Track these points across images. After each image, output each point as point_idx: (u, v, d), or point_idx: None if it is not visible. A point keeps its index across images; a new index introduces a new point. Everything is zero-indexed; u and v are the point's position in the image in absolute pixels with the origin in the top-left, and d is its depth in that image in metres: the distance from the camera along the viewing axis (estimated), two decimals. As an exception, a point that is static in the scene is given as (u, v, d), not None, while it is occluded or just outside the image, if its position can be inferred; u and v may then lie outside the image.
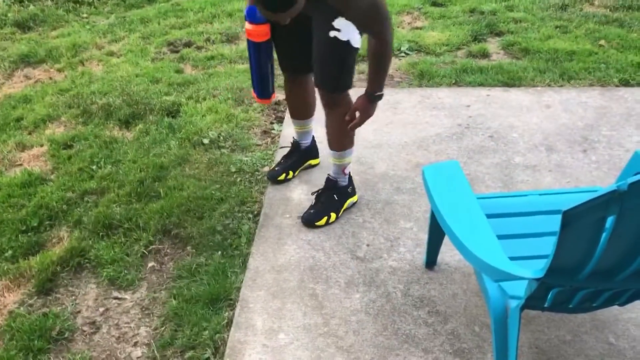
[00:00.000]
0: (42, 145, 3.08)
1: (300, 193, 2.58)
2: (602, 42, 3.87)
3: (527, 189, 2.54)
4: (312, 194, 2.49)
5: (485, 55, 3.81)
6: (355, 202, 2.50)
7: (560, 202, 1.29)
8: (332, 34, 2.08)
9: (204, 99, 3.39)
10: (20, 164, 2.95)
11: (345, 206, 2.46)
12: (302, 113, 2.62)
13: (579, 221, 1.14)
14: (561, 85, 3.41)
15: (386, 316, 1.96)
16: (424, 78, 3.53)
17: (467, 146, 2.86)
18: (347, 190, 2.48)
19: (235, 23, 4.57)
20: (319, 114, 2.47)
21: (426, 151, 2.83)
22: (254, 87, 2.46)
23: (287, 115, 3.15)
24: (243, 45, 4.18)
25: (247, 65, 3.82)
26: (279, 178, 2.65)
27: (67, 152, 2.97)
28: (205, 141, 2.96)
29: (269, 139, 3.01)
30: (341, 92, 2.27)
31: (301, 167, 2.73)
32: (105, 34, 4.54)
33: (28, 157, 3.00)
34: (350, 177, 2.49)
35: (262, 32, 2.24)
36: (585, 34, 3.99)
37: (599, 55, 3.69)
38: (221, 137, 2.99)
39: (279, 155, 2.82)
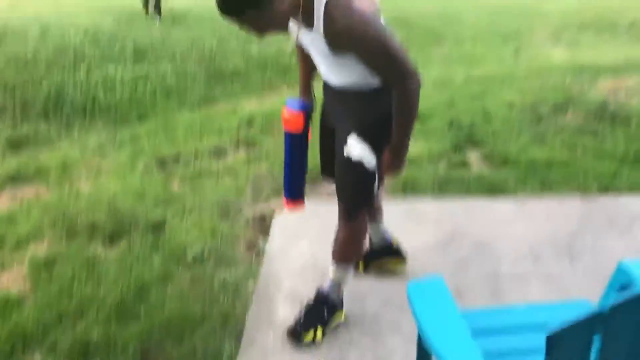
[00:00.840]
0: (22, 265, 3.02)
1: (286, 311, 2.51)
2: (579, 151, 3.99)
3: (514, 299, 2.50)
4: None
5: (466, 165, 3.90)
6: (343, 317, 2.44)
7: (548, 317, 1.26)
8: (346, 152, 2.12)
9: (190, 214, 3.40)
10: (-1, 286, 2.87)
11: (334, 322, 2.40)
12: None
13: (564, 343, 1.10)
14: (542, 194, 3.47)
15: None
16: (407, 189, 3.58)
17: (454, 257, 2.85)
18: (337, 305, 2.42)
19: (223, 139, 4.69)
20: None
21: (413, 263, 2.80)
22: (284, 186, 2.47)
23: (273, 230, 3.16)
24: (230, 160, 4.27)
25: (233, 182, 3.88)
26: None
27: (47, 272, 2.91)
28: (189, 257, 2.93)
29: (253, 254, 2.98)
30: (354, 209, 2.26)
31: (378, 264, 2.72)
32: (95, 151, 4.63)
33: (7, 278, 2.93)
34: (342, 293, 2.44)
35: (294, 121, 2.26)
36: (562, 144, 4.12)
37: (576, 164, 3.79)
38: (205, 253, 2.96)
39: (264, 269, 2.79)
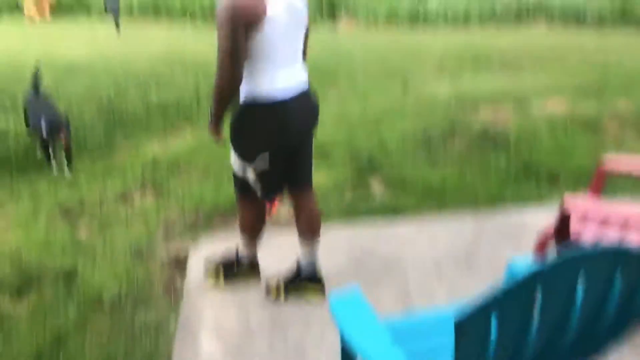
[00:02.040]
0: None
1: (211, 344, 2.56)
2: (467, 172, 4.38)
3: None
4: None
5: (369, 192, 4.14)
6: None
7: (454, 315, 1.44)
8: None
9: (102, 260, 3.34)
10: None
11: (240, 276, 3.00)
12: None
13: (468, 328, 1.29)
14: (440, 214, 3.77)
15: None
16: (317, 218, 3.74)
17: (365, 277, 3.03)
18: (244, 264, 3.01)
19: (128, 184, 4.64)
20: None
21: (329, 285, 2.93)
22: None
23: (190, 265, 3.20)
24: (138, 204, 4.24)
25: (144, 226, 3.86)
26: None
27: (-50, 333, 2.76)
28: (106, 303, 2.89)
29: (172, 294, 3.00)
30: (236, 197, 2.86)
31: (297, 289, 2.93)
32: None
33: None
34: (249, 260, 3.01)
35: None
36: (452, 167, 4.50)
37: (466, 184, 4.16)
38: (122, 297, 2.93)
39: (185, 306, 2.82)
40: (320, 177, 4.42)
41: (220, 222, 3.77)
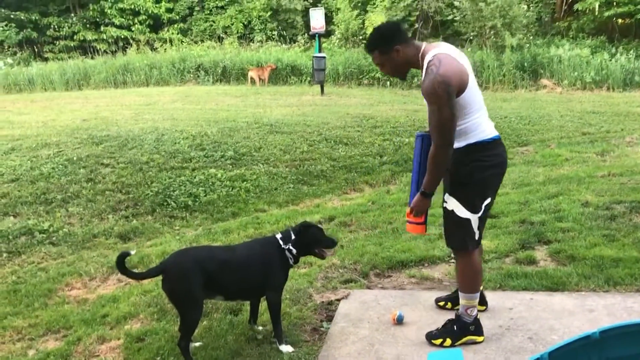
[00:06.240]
0: (119, 339, 3.46)
1: (339, 387, 2.71)
2: (651, 250, 3.96)
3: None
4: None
5: (531, 262, 3.98)
6: (480, 342, 2.96)
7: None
8: (444, 204, 2.92)
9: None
10: (98, 355, 3.31)
11: (463, 340, 2.94)
12: None
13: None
14: (606, 291, 3.48)
15: None
16: (470, 282, 3.71)
17: (506, 347, 2.94)
18: (469, 327, 2.96)
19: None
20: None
21: (465, 351, 2.92)
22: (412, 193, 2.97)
23: (337, 314, 3.41)
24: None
25: (308, 271, 4.20)
26: (439, 303, 3.39)
27: (138, 345, 3.32)
28: (259, 337, 3.24)
29: (316, 336, 3.24)
30: (456, 250, 3.00)
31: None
32: (191, 243, 5.18)
33: (105, 349, 3.37)
34: (476, 319, 2.97)
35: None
36: (633, 243, 4.10)
37: (646, 261, 3.76)
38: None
39: (324, 351, 3.03)
40: (483, 243, 4.36)
41: (375, 276, 3.95)
